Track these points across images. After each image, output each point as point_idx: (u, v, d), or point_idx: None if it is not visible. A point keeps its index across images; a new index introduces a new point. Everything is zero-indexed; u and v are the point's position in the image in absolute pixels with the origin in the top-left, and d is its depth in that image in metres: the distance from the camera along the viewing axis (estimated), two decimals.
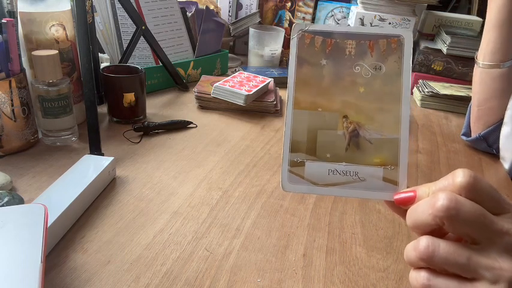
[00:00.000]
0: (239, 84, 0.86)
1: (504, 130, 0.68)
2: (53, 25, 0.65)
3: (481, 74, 0.71)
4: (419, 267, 0.29)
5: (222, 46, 1.13)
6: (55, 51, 0.63)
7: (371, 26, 1.08)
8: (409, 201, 0.30)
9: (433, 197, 0.27)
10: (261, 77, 0.93)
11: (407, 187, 0.31)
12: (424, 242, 0.27)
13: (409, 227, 0.29)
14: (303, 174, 0.32)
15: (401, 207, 0.31)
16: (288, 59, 0.34)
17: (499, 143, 0.72)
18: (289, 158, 0.33)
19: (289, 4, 1.25)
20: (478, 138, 0.76)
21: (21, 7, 0.63)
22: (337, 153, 0.32)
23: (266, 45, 1.12)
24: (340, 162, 0.32)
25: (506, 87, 0.69)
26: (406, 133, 0.32)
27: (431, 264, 0.28)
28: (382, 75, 0.33)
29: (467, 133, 0.80)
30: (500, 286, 0.26)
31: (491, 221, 0.26)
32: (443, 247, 0.27)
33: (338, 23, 1.23)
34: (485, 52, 0.70)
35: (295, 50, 0.33)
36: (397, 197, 0.31)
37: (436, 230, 0.28)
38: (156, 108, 0.85)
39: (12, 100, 0.60)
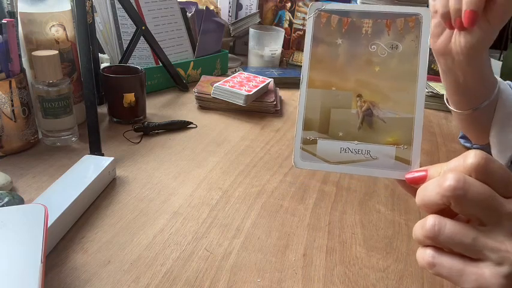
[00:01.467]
0: (239, 84, 0.86)
1: (493, 152, 0.67)
2: (53, 25, 0.65)
3: (452, 111, 0.70)
4: (426, 245, 0.29)
5: (222, 46, 1.13)
6: (55, 52, 0.63)
7: None
8: (421, 181, 0.30)
9: (442, 177, 0.27)
10: (261, 77, 0.93)
11: (420, 167, 0.31)
12: (430, 221, 0.28)
13: (418, 205, 0.29)
14: (315, 151, 0.32)
15: (413, 186, 0.31)
16: (304, 38, 0.33)
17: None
18: (301, 136, 0.32)
19: (289, 4, 1.25)
20: (471, 148, 0.76)
21: (22, 7, 0.63)
22: (349, 131, 0.32)
23: (266, 46, 1.12)
24: (352, 140, 0.32)
25: (476, 127, 0.67)
26: (421, 113, 0.32)
27: (436, 243, 0.28)
28: (398, 54, 0.32)
29: (466, 136, 0.79)
30: (505, 268, 0.26)
31: (500, 204, 0.26)
32: (449, 226, 0.27)
33: None
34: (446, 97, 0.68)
35: (311, 30, 0.33)
36: (408, 176, 0.31)
37: (446, 210, 0.28)
38: (156, 108, 0.86)
39: (12, 100, 0.60)
